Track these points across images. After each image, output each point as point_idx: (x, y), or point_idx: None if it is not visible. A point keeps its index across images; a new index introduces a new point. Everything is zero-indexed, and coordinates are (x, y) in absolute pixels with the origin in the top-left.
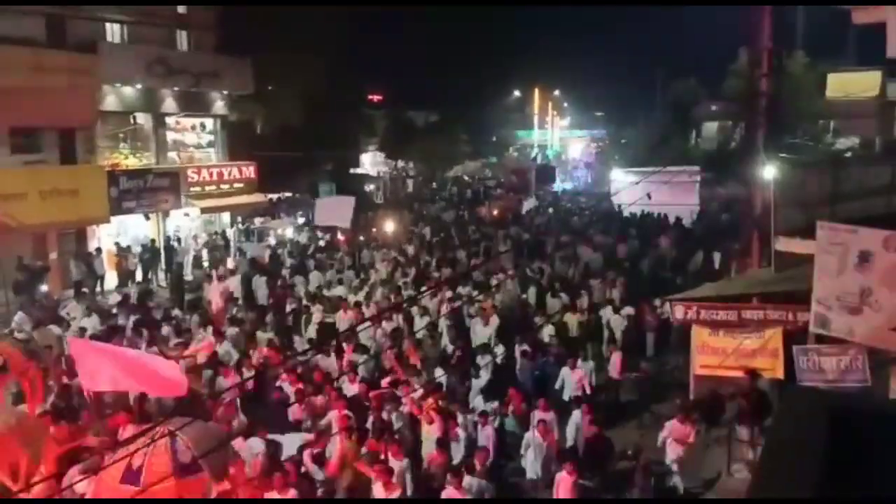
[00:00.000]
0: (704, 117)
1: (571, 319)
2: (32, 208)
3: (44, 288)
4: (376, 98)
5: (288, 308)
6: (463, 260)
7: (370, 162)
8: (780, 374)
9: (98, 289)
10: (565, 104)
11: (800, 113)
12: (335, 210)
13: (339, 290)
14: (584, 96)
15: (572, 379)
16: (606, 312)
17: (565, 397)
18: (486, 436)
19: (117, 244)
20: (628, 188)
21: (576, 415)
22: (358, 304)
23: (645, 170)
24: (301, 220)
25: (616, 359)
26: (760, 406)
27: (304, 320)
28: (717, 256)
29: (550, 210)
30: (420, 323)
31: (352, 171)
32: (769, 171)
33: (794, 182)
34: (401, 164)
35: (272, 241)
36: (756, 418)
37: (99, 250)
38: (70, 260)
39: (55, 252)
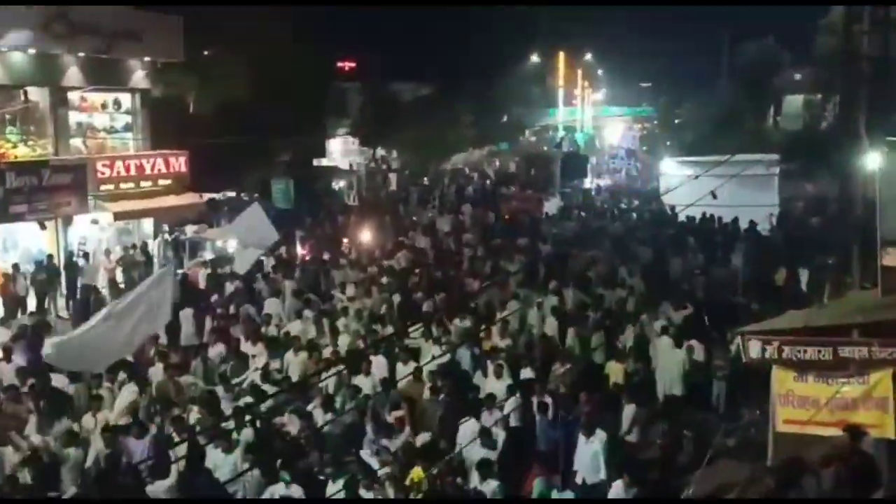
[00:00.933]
0: (786, 89)
1: (614, 369)
2: None
3: None
4: (348, 66)
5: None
6: (467, 283)
7: (340, 151)
8: (890, 433)
9: None
10: (600, 72)
11: None
12: (255, 231)
13: (295, 326)
14: (626, 63)
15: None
16: (659, 352)
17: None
18: None
19: (16, 266)
20: (684, 184)
21: (617, 486)
22: (314, 347)
23: (707, 159)
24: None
25: None
26: (865, 474)
27: (232, 367)
28: (804, 274)
29: (580, 213)
30: (404, 370)
31: (316, 162)
32: (873, 161)
33: None
34: (381, 153)
35: (209, 255)
36: (859, 489)
37: None
38: None
39: None
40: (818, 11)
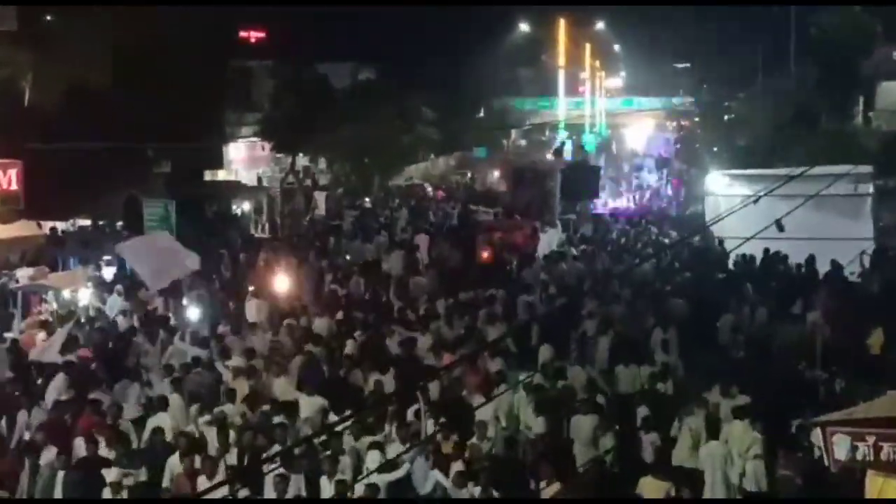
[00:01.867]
0: (882, 74)
1: (650, 486)
2: None
3: None
4: (255, 37)
5: None
6: (421, 352)
7: (244, 159)
8: None
9: None
10: (617, 48)
11: None
12: (169, 260)
13: (161, 419)
14: (653, 35)
15: None
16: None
17: None
18: None
19: None
20: (738, 207)
21: None
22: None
23: (771, 172)
24: (110, 274)
25: None
26: None
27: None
28: None
29: (586, 249)
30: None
31: (209, 176)
32: None
33: None
34: (303, 162)
35: (48, 311)
36: None
37: None
38: None
39: None
40: None
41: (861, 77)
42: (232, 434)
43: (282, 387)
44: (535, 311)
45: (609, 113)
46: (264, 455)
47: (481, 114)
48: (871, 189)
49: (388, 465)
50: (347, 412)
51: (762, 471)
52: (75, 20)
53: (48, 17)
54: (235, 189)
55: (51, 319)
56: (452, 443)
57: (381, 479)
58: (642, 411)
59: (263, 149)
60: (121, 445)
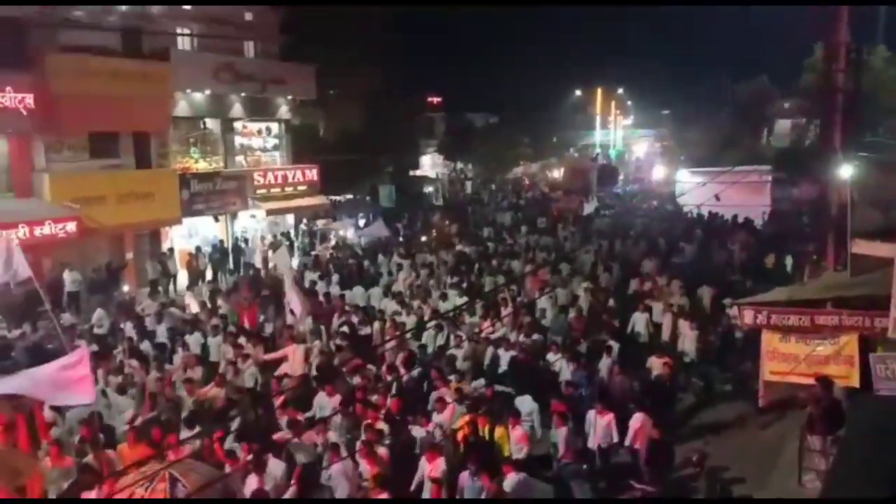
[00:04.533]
0: (777, 114)
1: (656, 364)
2: (111, 211)
3: (125, 288)
4: (435, 101)
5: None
6: (517, 269)
7: (429, 164)
8: (855, 383)
9: (171, 287)
10: (629, 102)
11: (882, 109)
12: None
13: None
14: (649, 94)
15: (601, 424)
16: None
17: (591, 445)
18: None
19: (198, 248)
20: (695, 189)
21: (637, 417)
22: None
23: (713, 170)
24: (362, 223)
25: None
26: (833, 415)
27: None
28: (789, 260)
29: (609, 212)
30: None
31: (411, 173)
32: (846, 171)
33: (874, 182)
34: (459, 165)
35: (333, 242)
36: (828, 427)
37: (172, 250)
38: (146, 260)
39: (132, 252)
40: (805, 52)
41: (766, 116)
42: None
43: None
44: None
45: (624, 137)
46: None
47: (555, 139)
48: (769, 178)
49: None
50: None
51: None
52: (343, 93)
53: (331, 91)
54: (424, 180)
55: (334, 244)
56: (527, 320)
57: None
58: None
59: (439, 158)
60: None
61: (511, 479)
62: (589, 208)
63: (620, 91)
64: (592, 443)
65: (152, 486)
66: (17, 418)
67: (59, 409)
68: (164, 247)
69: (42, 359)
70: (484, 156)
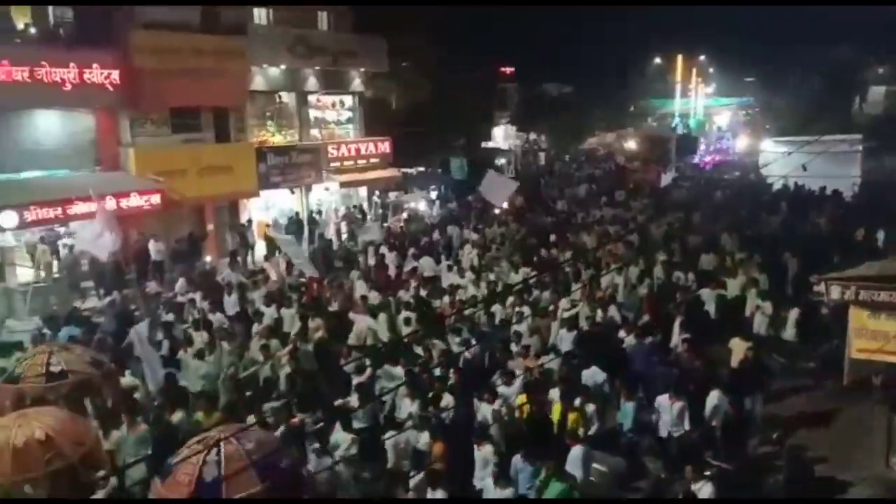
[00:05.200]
0: (870, 81)
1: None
2: (192, 183)
3: (207, 258)
4: (508, 71)
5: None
6: (589, 243)
7: (502, 135)
8: None
9: (249, 258)
10: (710, 70)
11: None
12: (498, 189)
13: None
14: (733, 61)
15: (672, 410)
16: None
17: (661, 434)
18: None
19: (275, 220)
20: (780, 158)
21: (714, 395)
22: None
23: (800, 139)
24: (433, 195)
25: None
26: None
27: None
28: (880, 234)
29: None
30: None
31: (483, 144)
32: None
33: None
34: (532, 137)
35: (405, 214)
36: None
37: (250, 222)
38: (225, 231)
39: (212, 223)
40: None
41: (858, 83)
42: None
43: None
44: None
45: (705, 107)
46: None
47: (632, 108)
48: (860, 148)
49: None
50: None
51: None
52: (416, 65)
53: (403, 64)
54: (496, 152)
55: (406, 216)
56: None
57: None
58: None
59: (512, 130)
60: None
61: (574, 453)
62: (666, 179)
63: (702, 58)
64: (663, 430)
65: (214, 452)
66: (93, 382)
67: (139, 375)
68: (243, 218)
69: (128, 324)
70: (557, 126)
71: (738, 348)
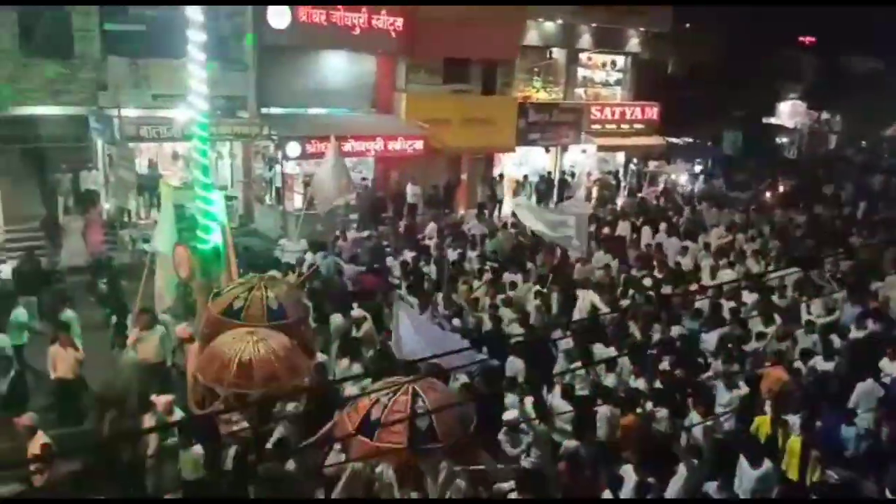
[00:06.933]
0: None
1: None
2: (454, 133)
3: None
4: (808, 40)
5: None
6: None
7: (788, 112)
8: None
9: (497, 212)
10: None
11: None
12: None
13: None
14: None
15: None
16: None
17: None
18: None
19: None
20: None
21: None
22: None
23: None
24: (698, 168)
25: None
26: None
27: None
28: None
29: None
30: None
31: (764, 120)
32: None
33: None
34: (825, 116)
35: (661, 186)
36: None
37: (501, 176)
38: (477, 183)
39: (465, 174)
40: None
41: None
42: None
43: None
44: None
45: None
46: None
47: None
48: None
49: None
50: None
51: None
52: (699, 27)
53: (687, 25)
54: (779, 129)
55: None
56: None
57: None
58: None
59: (801, 106)
60: None
61: None
62: None
63: None
64: None
65: (395, 398)
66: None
67: (344, 314)
68: (495, 172)
69: (380, 257)
70: (858, 107)
71: None
